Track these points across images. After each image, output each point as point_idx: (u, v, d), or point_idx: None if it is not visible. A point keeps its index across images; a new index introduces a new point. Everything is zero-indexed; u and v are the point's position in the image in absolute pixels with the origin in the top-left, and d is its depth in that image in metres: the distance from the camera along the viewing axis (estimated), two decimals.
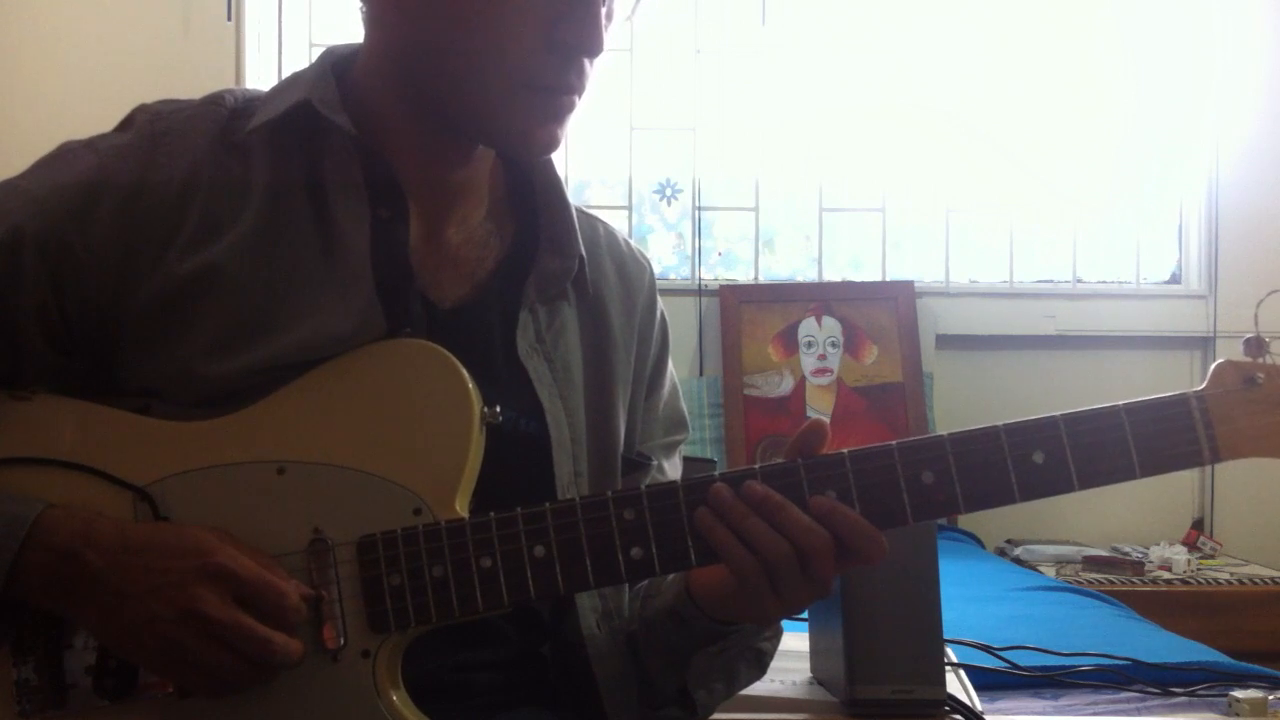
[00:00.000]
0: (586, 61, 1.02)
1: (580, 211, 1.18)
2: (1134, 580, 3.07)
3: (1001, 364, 3.61)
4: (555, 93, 1.02)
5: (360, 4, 1.08)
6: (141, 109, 1.06)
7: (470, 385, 0.99)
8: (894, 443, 0.95)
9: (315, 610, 0.94)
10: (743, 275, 3.72)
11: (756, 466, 0.96)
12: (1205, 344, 3.60)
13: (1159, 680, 1.66)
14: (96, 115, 1.20)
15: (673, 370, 1.26)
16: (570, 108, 1.03)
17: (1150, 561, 3.18)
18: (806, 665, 1.52)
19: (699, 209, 3.70)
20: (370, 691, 0.94)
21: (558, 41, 0.99)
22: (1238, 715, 1.50)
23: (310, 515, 0.96)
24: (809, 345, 3.49)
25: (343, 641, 0.95)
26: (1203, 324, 3.60)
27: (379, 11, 1.06)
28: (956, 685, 1.49)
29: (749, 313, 3.53)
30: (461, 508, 0.97)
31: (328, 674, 0.94)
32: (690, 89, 3.70)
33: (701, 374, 3.53)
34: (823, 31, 3.71)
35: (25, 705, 0.95)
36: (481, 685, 1.08)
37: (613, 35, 1.06)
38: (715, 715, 1.18)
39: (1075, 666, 1.72)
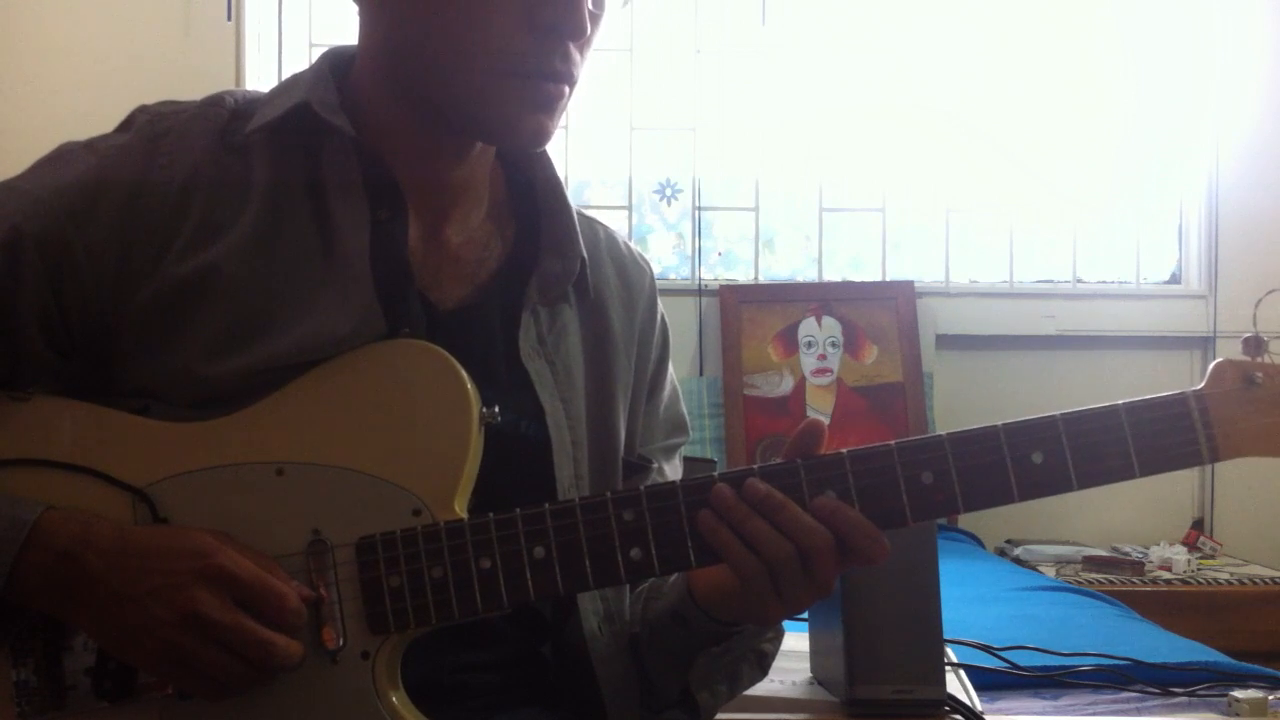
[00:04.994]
0: (573, 49, 1.01)
1: (580, 214, 1.17)
2: (1134, 580, 3.07)
3: (1001, 364, 3.61)
4: (540, 79, 1.00)
5: (353, 3, 1.07)
6: (141, 110, 1.06)
7: (469, 385, 0.98)
8: (893, 443, 0.95)
9: (315, 612, 0.94)
10: (743, 275, 3.71)
11: (756, 467, 0.95)
12: (1205, 344, 3.60)
13: (1159, 680, 1.66)
14: (96, 115, 1.19)
15: (673, 373, 1.26)
16: (558, 97, 1.02)
17: (1150, 561, 3.17)
18: (806, 665, 1.51)
19: (699, 209, 3.69)
20: (370, 693, 0.94)
21: (539, 24, 0.99)
22: (1238, 715, 1.49)
23: (309, 516, 0.96)
24: (809, 345, 3.49)
25: (342, 643, 0.95)
26: (1202, 324, 3.60)
27: (368, 9, 1.06)
28: (956, 685, 1.49)
29: (749, 313, 3.53)
30: (460, 509, 0.97)
31: (327, 675, 0.94)
32: (690, 89, 3.70)
33: (701, 374, 3.53)
34: (823, 31, 3.71)
35: (25, 707, 0.95)
36: (481, 686, 1.08)
37: (604, 26, 1.05)
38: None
39: (1075, 666, 1.71)
